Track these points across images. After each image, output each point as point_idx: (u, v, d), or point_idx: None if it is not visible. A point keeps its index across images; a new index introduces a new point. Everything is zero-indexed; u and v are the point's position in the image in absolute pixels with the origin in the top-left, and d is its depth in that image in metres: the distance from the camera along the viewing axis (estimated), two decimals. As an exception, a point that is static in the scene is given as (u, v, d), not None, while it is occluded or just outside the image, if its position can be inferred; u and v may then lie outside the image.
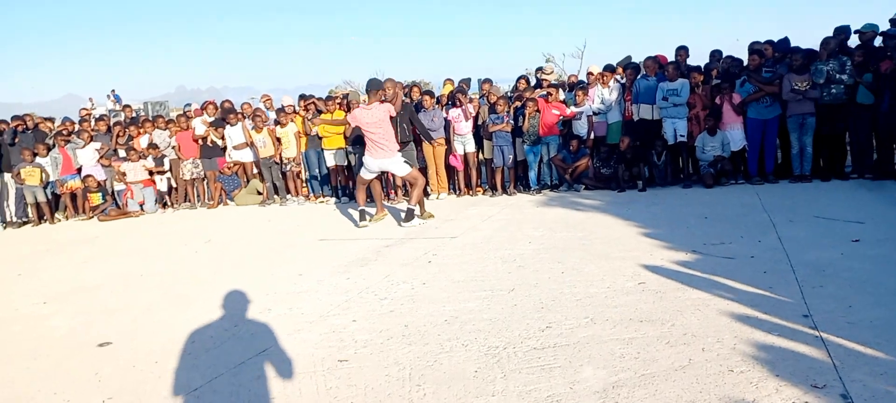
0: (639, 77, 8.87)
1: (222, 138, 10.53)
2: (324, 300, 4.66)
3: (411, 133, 8.06)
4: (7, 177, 10.48)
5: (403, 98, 8.20)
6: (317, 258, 6.15)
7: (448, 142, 9.26)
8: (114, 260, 7.06)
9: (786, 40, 8.61)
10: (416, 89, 10.12)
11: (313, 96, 10.52)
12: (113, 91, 28.36)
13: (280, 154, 10.19)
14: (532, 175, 9.18)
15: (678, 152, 8.84)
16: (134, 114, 13.65)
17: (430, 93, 9.54)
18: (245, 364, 3.53)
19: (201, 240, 7.71)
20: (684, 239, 5.52)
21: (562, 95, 9.23)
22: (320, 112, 9.82)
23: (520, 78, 10.23)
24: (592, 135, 9.02)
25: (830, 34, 8.16)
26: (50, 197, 10.61)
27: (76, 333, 4.45)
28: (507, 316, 3.95)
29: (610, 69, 9.14)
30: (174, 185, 11.09)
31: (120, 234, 8.90)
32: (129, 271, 6.34)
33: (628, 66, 9.23)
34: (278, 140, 10.14)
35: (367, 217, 7.45)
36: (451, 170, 9.64)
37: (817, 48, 8.07)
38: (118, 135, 11.09)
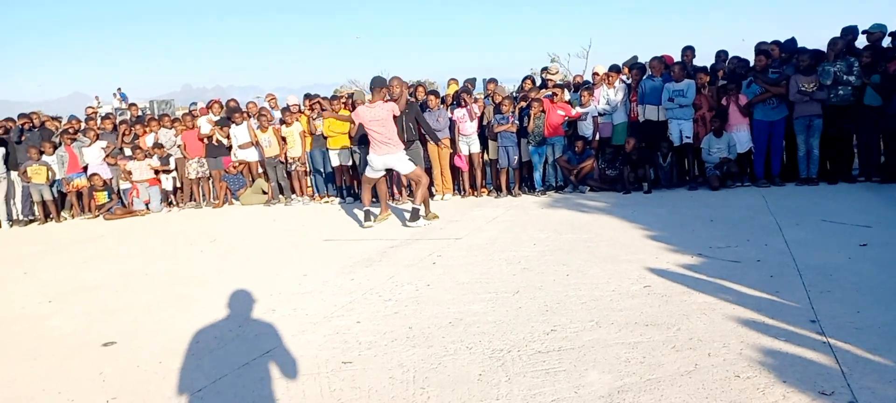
0: (644, 77, 8.84)
1: (227, 137, 10.55)
2: (328, 301, 4.66)
3: (417, 132, 8.06)
4: (13, 175, 10.52)
5: (409, 97, 8.19)
6: (321, 258, 6.14)
7: (453, 142, 9.24)
8: (119, 260, 7.07)
9: (792, 41, 8.56)
10: (421, 89, 10.11)
11: (318, 95, 10.53)
12: (119, 89, 28.47)
13: (285, 153, 10.20)
14: (537, 176, 9.16)
15: (684, 154, 8.81)
16: (140, 113, 13.71)
17: (436, 93, 9.53)
18: (249, 365, 3.53)
19: (206, 240, 7.72)
20: (690, 241, 5.50)
21: (567, 96, 9.20)
22: (325, 111, 9.83)
23: (525, 78, 10.20)
24: (598, 136, 8.99)
25: (837, 34, 8.11)
26: (56, 195, 10.65)
27: (80, 332, 4.46)
28: (511, 318, 3.93)
29: (615, 69, 9.11)
30: (179, 184, 11.12)
31: (125, 233, 8.92)
32: (133, 270, 6.35)
33: (634, 66, 9.20)
34: (283, 139, 10.15)
35: (372, 217, 7.45)
36: (455, 171, 9.63)
37: (824, 49, 8.02)
38: (124, 134, 11.12)
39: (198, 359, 3.71)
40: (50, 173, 10.39)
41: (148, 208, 10.62)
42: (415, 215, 7.22)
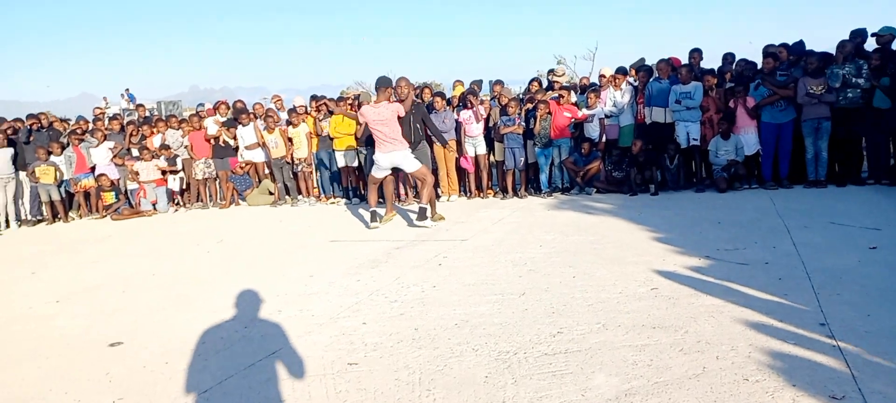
0: (651, 79, 8.82)
1: (234, 138, 10.58)
2: (334, 302, 4.65)
3: (423, 133, 8.05)
4: (22, 175, 10.58)
5: (415, 99, 8.19)
6: (328, 259, 6.15)
7: (459, 144, 9.24)
8: (125, 260, 7.10)
9: (801, 43, 8.52)
10: (427, 90, 10.11)
11: (325, 97, 10.55)
12: (127, 90, 28.58)
13: (291, 154, 10.22)
14: (543, 178, 9.14)
15: (691, 156, 8.77)
16: (147, 114, 13.76)
17: (442, 95, 9.53)
18: (255, 366, 3.53)
19: (213, 240, 7.74)
20: (697, 244, 5.47)
21: (574, 97, 9.19)
22: (332, 113, 9.84)
23: (532, 80, 10.19)
24: (604, 138, 8.97)
25: (846, 37, 8.06)
26: (64, 195, 10.70)
27: (87, 332, 4.47)
28: (517, 320, 3.92)
29: (622, 71, 9.08)
30: (186, 185, 11.16)
31: (132, 233, 8.95)
32: (140, 271, 6.37)
33: (641, 68, 9.17)
34: (290, 140, 10.17)
35: (378, 218, 7.45)
36: (461, 173, 9.62)
37: (833, 51, 7.98)
38: (131, 135, 11.17)
39: (204, 360, 3.72)
40: (58, 173, 10.44)
41: (155, 208, 10.66)
42: (422, 214, 7.23)
